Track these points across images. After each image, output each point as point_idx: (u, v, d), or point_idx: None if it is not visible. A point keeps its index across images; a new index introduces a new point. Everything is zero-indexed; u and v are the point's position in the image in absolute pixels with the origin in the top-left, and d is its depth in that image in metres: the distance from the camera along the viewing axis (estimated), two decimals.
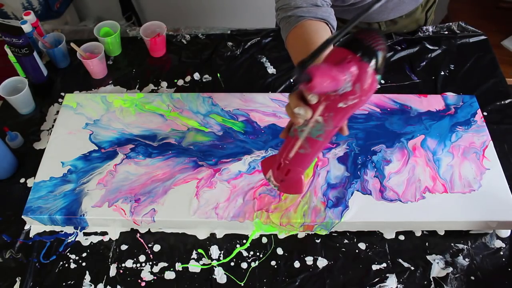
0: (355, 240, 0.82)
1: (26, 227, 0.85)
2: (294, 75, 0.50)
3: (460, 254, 0.81)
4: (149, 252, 0.82)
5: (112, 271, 0.79)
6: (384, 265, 0.79)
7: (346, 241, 0.82)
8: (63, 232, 0.84)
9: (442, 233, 0.83)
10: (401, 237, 0.83)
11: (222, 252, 0.81)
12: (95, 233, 0.84)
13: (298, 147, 0.65)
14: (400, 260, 0.80)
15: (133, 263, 0.80)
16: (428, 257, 0.80)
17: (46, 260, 0.81)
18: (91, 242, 0.83)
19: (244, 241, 0.83)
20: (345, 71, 0.53)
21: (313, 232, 0.83)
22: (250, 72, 1.10)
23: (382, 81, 1.06)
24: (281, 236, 0.83)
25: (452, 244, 0.82)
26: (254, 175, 0.86)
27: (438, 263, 0.79)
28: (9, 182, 0.91)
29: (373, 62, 0.54)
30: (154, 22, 1.13)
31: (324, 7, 0.81)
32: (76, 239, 0.83)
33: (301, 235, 0.83)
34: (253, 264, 0.80)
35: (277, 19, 0.86)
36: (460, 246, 0.82)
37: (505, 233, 0.83)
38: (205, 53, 1.15)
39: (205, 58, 1.14)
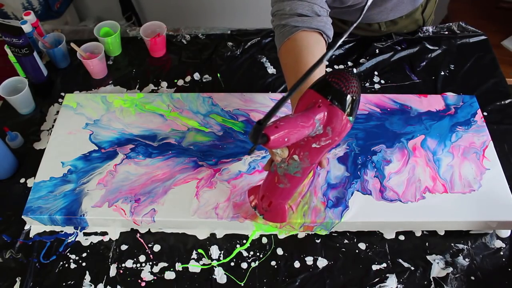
0: (355, 240, 0.82)
1: (26, 227, 0.85)
2: (251, 135, 0.51)
3: (460, 254, 0.81)
4: (149, 252, 0.82)
5: (112, 271, 0.79)
6: (384, 265, 0.79)
7: (346, 241, 0.82)
8: (63, 232, 0.84)
9: (442, 233, 0.83)
10: (401, 237, 0.83)
11: (222, 252, 0.81)
12: (95, 233, 0.84)
13: (277, 182, 0.69)
14: (400, 260, 0.80)
15: (133, 263, 0.80)
16: (428, 257, 0.80)
17: (46, 260, 0.81)
18: (91, 242, 0.83)
19: (244, 241, 0.83)
20: (312, 117, 0.55)
21: (313, 232, 0.83)
22: (250, 72, 1.10)
23: (382, 81, 1.06)
24: (281, 236, 0.83)
25: (452, 244, 0.82)
26: (254, 175, 0.86)
27: (438, 263, 0.79)
28: (9, 182, 0.91)
29: (343, 105, 0.56)
30: (154, 22, 1.13)
31: (320, 16, 0.80)
32: (76, 239, 0.83)
33: (301, 235, 0.83)
34: (253, 264, 0.80)
35: (272, 25, 0.85)
36: (460, 246, 0.82)
37: (505, 233, 0.83)
38: (205, 53, 1.15)
39: (205, 58, 1.14)
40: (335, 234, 0.83)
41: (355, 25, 0.53)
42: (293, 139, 0.55)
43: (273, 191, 0.71)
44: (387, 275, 0.78)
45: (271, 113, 0.49)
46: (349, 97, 0.56)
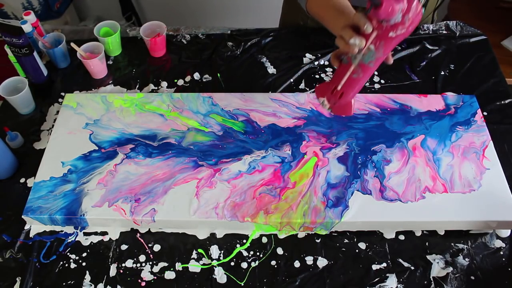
0: (355, 240, 0.82)
1: (26, 227, 0.85)
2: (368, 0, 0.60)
3: (460, 254, 0.81)
4: (149, 252, 0.82)
5: (112, 271, 0.79)
6: (384, 265, 0.79)
7: (346, 241, 0.82)
8: (63, 232, 0.84)
9: (442, 233, 0.83)
10: (401, 237, 0.83)
11: (222, 252, 0.81)
12: (95, 233, 0.84)
13: (352, 72, 0.73)
14: (400, 260, 0.80)
15: (133, 263, 0.80)
16: (428, 257, 0.80)
17: (46, 260, 0.81)
18: (91, 242, 0.83)
19: (244, 241, 0.83)
20: (400, 2, 0.61)
21: (313, 232, 0.83)
22: (250, 72, 1.10)
23: (382, 81, 1.06)
24: (281, 236, 0.83)
25: (452, 244, 0.82)
26: (254, 175, 0.86)
27: (438, 263, 0.79)
28: (9, 182, 0.91)
29: None
30: (154, 22, 1.13)
31: None
32: (76, 239, 0.83)
33: (301, 235, 0.83)
34: (253, 264, 0.80)
35: None
36: (460, 246, 0.82)
37: (505, 233, 0.83)
38: (205, 53, 1.15)
39: (205, 58, 1.14)
40: (335, 234, 0.83)
41: None
42: (390, 16, 0.62)
43: (346, 82, 0.75)
44: (387, 275, 0.78)
45: None
46: None
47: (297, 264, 0.80)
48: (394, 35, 0.65)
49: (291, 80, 1.07)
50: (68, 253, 0.81)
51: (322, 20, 0.89)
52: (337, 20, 0.80)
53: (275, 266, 0.80)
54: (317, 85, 0.85)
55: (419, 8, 0.62)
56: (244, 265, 0.80)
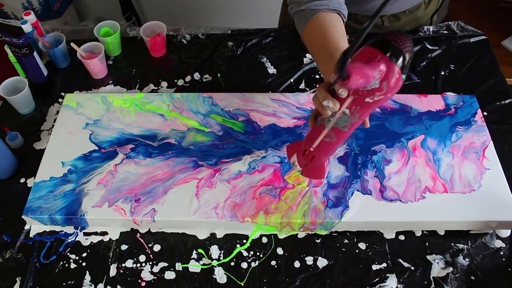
0: (355, 240, 0.82)
1: (26, 227, 0.85)
2: (335, 71, 0.57)
3: (460, 254, 0.81)
4: (149, 252, 0.82)
5: (112, 271, 0.79)
6: (384, 265, 0.79)
7: (346, 241, 0.82)
8: (63, 232, 0.84)
9: (442, 233, 0.83)
10: (401, 237, 0.83)
11: (222, 252, 0.81)
12: (95, 233, 0.84)
13: (324, 136, 0.70)
14: (400, 260, 0.80)
15: (133, 263, 0.80)
16: (428, 257, 0.80)
17: (46, 260, 0.81)
18: (91, 242, 0.83)
19: (244, 241, 0.83)
20: (375, 69, 0.58)
21: (313, 232, 0.83)
22: (250, 72, 1.10)
23: None
24: (281, 236, 0.83)
25: (452, 244, 0.82)
26: (254, 175, 0.86)
27: (438, 263, 0.79)
28: (9, 182, 0.91)
29: (400, 62, 0.58)
30: (154, 22, 1.13)
31: None
32: (76, 239, 0.83)
33: (301, 235, 0.83)
34: (253, 264, 0.80)
35: (291, 12, 0.88)
36: (460, 246, 0.82)
37: (505, 233, 0.83)
38: (205, 53, 1.15)
39: (205, 58, 1.14)
40: (335, 234, 0.83)
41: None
42: (362, 83, 0.58)
43: (318, 145, 0.72)
44: (387, 275, 0.78)
45: (354, 46, 0.54)
46: (405, 55, 0.58)
47: (297, 264, 0.80)
48: (371, 100, 0.62)
49: (291, 80, 1.07)
50: (68, 253, 0.81)
51: (314, 58, 0.85)
52: (326, 65, 0.76)
53: (275, 266, 0.80)
54: (288, 144, 0.81)
55: (398, 75, 0.59)
56: (244, 265, 0.80)
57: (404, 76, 0.60)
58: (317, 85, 0.65)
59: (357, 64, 0.58)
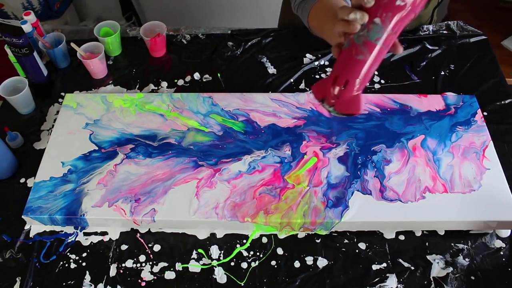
0: (355, 240, 0.82)
1: (26, 227, 0.85)
2: None
3: (460, 254, 0.81)
4: (149, 252, 0.82)
5: (112, 271, 0.79)
6: (384, 265, 0.79)
7: (346, 241, 0.82)
8: (63, 232, 0.84)
9: (442, 233, 0.83)
10: (401, 237, 0.83)
11: (222, 252, 0.81)
12: (95, 233, 0.84)
13: (355, 53, 0.63)
14: (400, 260, 0.80)
15: (133, 263, 0.80)
16: (428, 257, 0.80)
17: (46, 260, 0.81)
18: (91, 242, 0.83)
19: (244, 241, 0.83)
20: None
21: (313, 232, 0.83)
22: (250, 72, 1.10)
23: (382, 81, 1.06)
24: (281, 236, 0.83)
25: (452, 244, 0.82)
26: (254, 175, 0.86)
27: (438, 263, 0.79)
28: (9, 182, 0.91)
29: None
30: (154, 22, 1.13)
31: None
32: (76, 239, 0.83)
33: (301, 235, 0.83)
34: (253, 264, 0.80)
35: (294, 7, 0.87)
36: (460, 246, 0.82)
37: (505, 233, 0.83)
38: (205, 53, 1.15)
39: (205, 58, 1.14)
40: (335, 234, 0.83)
41: None
42: None
43: (350, 66, 0.64)
44: (387, 275, 0.78)
45: None
46: None
47: (297, 264, 0.80)
48: (403, 3, 0.57)
49: (291, 80, 1.07)
50: (68, 253, 0.81)
51: (323, 32, 0.82)
52: (328, 23, 0.73)
53: (275, 266, 0.80)
54: (314, 84, 0.71)
55: None
56: (244, 265, 0.80)
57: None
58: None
59: None
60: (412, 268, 0.79)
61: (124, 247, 0.82)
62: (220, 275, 0.79)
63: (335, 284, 0.77)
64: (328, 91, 0.67)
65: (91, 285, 0.78)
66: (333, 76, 0.66)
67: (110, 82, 1.09)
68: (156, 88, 1.07)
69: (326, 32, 0.81)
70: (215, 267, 0.80)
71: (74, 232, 0.84)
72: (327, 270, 0.79)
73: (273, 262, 0.80)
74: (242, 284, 0.78)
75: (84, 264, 0.80)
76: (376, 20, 0.59)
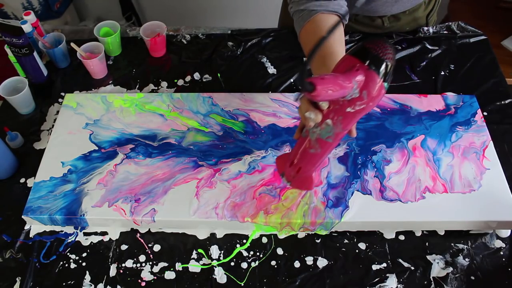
0: (355, 240, 0.82)
1: (26, 227, 0.85)
2: (298, 84, 0.54)
3: (460, 254, 0.81)
4: (149, 252, 0.82)
5: (112, 271, 0.79)
6: (384, 265, 0.79)
7: (346, 241, 0.82)
8: (63, 232, 0.84)
9: (442, 233, 0.83)
10: (401, 237, 0.83)
11: (222, 252, 0.81)
12: (95, 233, 0.84)
13: (309, 147, 0.70)
14: (400, 260, 0.80)
15: (133, 263, 0.80)
16: (428, 257, 0.80)
17: (46, 260, 0.81)
18: (91, 242, 0.83)
19: (244, 241, 0.83)
20: (351, 78, 0.57)
21: (313, 232, 0.83)
22: (250, 72, 1.10)
23: None
24: (281, 236, 0.83)
25: (452, 244, 0.82)
26: (254, 175, 0.86)
27: (438, 263, 0.79)
28: (9, 182, 0.91)
29: (380, 70, 0.57)
30: (154, 22, 1.13)
31: (336, 0, 0.83)
32: (76, 239, 0.83)
33: (301, 235, 0.83)
34: (253, 264, 0.80)
35: (290, 11, 0.88)
36: (460, 246, 0.82)
37: (505, 233, 0.83)
38: (205, 53, 1.15)
39: (205, 58, 1.14)
40: (335, 234, 0.83)
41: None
42: (334, 95, 0.57)
43: (303, 157, 0.71)
44: (387, 275, 0.78)
45: (311, 56, 0.53)
46: (385, 63, 0.58)
47: (297, 264, 0.80)
48: (353, 110, 0.60)
49: (291, 80, 1.07)
50: (68, 253, 0.81)
51: (308, 61, 0.84)
52: (318, 70, 0.75)
53: (275, 266, 0.80)
54: (277, 157, 0.81)
55: (380, 83, 0.57)
56: (244, 265, 0.80)
57: (386, 84, 0.59)
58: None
59: (327, 75, 0.57)
60: (412, 268, 0.79)
61: (124, 247, 0.82)
62: (220, 275, 0.79)
63: (335, 284, 0.77)
64: (286, 170, 0.76)
65: (91, 285, 0.78)
66: (290, 160, 0.74)
67: (110, 82, 1.09)
68: (156, 88, 1.07)
69: (310, 64, 0.81)
70: (215, 267, 0.80)
71: (74, 232, 0.84)
72: (327, 270, 0.79)
73: (273, 262, 0.80)
74: (242, 284, 0.78)
75: (84, 264, 0.80)
76: (328, 121, 0.64)
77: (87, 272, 0.79)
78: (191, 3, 2.06)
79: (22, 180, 0.91)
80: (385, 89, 0.59)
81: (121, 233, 0.84)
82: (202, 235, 0.83)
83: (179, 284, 0.78)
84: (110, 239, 0.83)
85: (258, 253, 0.81)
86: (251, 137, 0.92)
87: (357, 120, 0.64)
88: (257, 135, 0.92)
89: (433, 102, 0.98)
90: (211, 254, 0.81)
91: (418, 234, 0.83)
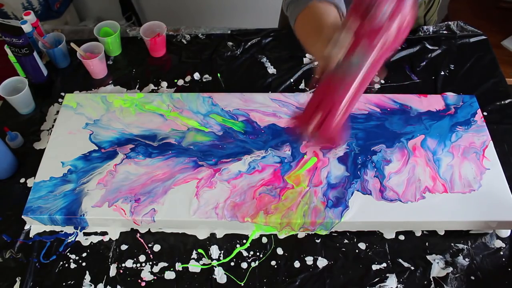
0: (355, 240, 0.82)
1: (26, 227, 0.85)
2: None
3: (460, 254, 0.81)
4: (149, 252, 0.82)
5: (112, 271, 0.79)
6: (384, 265, 0.79)
7: (346, 241, 0.82)
8: (63, 232, 0.84)
9: (442, 233, 0.83)
10: (401, 237, 0.83)
11: (222, 252, 0.81)
12: (95, 233, 0.84)
13: (335, 84, 0.62)
14: (400, 260, 0.80)
15: (133, 263, 0.80)
16: (428, 257, 0.80)
17: (46, 260, 0.81)
18: (91, 242, 0.83)
19: (244, 241, 0.83)
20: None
21: (313, 232, 0.83)
22: (250, 72, 1.10)
23: (382, 81, 1.06)
24: (281, 236, 0.83)
25: (452, 244, 0.82)
26: (254, 175, 0.86)
27: (438, 263, 0.79)
28: (9, 182, 0.91)
29: None
30: (154, 22, 1.13)
31: None
32: (76, 239, 0.83)
33: (301, 235, 0.83)
34: (253, 264, 0.80)
35: (284, 4, 0.85)
36: (460, 246, 0.82)
37: (505, 233, 0.83)
38: (205, 53, 1.15)
39: (205, 58, 1.14)
40: (335, 234, 0.83)
41: None
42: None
43: (329, 96, 0.63)
44: (387, 275, 0.78)
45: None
46: None
47: (297, 264, 0.80)
48: (378, 42, 0.57)
49: (291, 80, 1.07)
50: (68, 253, 0.81)
51: (305, 46, 0.79)
52: (316, 44, 0.71)
53: (275, 266, 0.80)
54: (291, 117, 0.71)
55: (408, 7, 0.54)
56: (244, 265, 0.80)
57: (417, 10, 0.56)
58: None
59: None
60: (412, 268, 0.79)
61: (124, 247, 0.82)
62: (220, 275, 0.79)
63: (335, 284, 0.77)
64: (308, 122, 0.67)
65: (91, 285, 0.78)
66: (312, 107, 0.66)
67: (110, 82, 1.09)
68: (156, 88, 1.07)
69: (309, 48, 0.78)
70: (215, 267, 0.80)
71: (74, 232, 0.84)
72: (327, 270, 0.79)
73: (273, 262, 0.80)
74: (242, 284, 0.78)
75: (84, 264, 0.80)
76: (353, 57, 0.59)
77: (87, 272, 0.79)
78: (191, 3, 2.06)
79: (22, 180, 0.91)
80: (414, 18, 0.56)
81: (121, 233, 0.84)
82: (202, 235, 0.83)
83: (179, 284, 0.78)
84: (110, 239, 0.83)
85: (258, 253, 0.81)
86: (251, 137, 0.92)
87: (383, 57, 0.59)
88: (257, 135, 0.92)
89: (433, 102, 0.98)
90: (211, 254, 0.81)
91: (418, 234, 0.83)
